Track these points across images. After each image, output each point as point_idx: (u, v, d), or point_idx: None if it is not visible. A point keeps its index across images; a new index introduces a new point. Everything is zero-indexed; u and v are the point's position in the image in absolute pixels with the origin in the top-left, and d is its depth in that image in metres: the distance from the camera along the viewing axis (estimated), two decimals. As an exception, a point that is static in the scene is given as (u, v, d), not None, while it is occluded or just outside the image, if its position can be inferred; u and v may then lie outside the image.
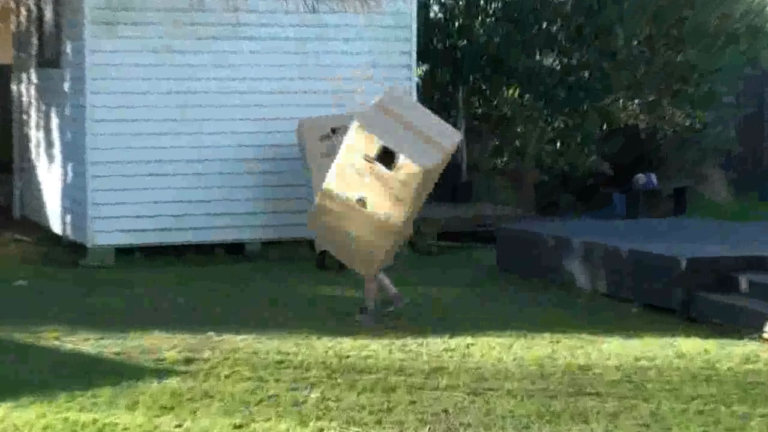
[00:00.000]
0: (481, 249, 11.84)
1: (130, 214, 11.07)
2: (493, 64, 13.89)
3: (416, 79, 12.16)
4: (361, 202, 7.57)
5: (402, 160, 7.47)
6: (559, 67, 14.42)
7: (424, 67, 14.04)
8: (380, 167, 7.51)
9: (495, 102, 14.20)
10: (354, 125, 7.65)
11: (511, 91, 14.07)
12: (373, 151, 7.50)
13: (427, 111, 8.23)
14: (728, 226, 11.43)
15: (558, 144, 14.44)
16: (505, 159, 14.60)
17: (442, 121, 8.23)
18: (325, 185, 7.77)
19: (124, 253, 11.04)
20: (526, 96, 14.06)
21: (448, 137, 7.91)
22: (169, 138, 11.14)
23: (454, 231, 12.40)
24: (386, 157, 7.54)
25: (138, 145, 11.06)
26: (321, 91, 11.47)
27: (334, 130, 10.54)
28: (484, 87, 14.22)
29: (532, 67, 13.99)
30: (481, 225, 12.27)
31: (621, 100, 14.87)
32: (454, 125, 14.41)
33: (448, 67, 13.97)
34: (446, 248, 11.28)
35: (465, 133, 14.13)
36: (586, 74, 14.30)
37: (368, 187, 7.53)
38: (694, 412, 6.16)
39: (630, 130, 14.97)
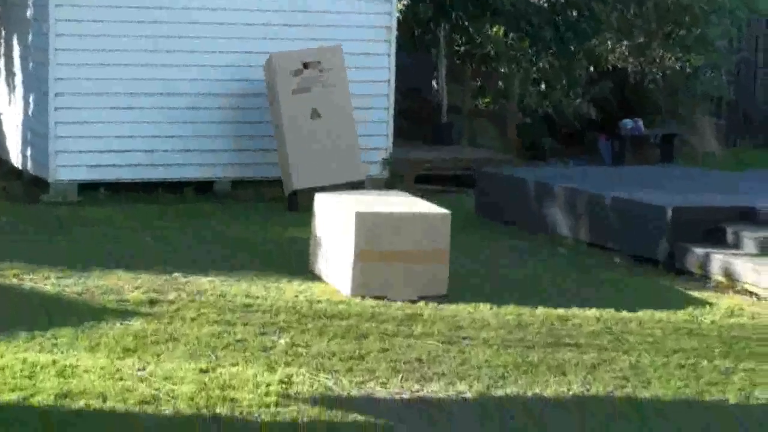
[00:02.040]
0: (460, 193, 11.65)
1: (95, 149, 10.86)
2: (478, 0, 13.49)
3: (396, 13, 11.89)
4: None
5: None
6: (546, 5, 14.07)
7: (405, 1, 13.64)
8: None
9: (479, 40, 13.85)
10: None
11: (495, 30, 13.72)
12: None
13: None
14: (717, 175, 11.36)
15: (543, 86, 14.18)
16: (487, 100, 14.34)
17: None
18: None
19: (88, 189, 10.87)
20: (511, 35, 13.74)
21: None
22: (139, 69, 10.92)
23: (432, 174, 12.21)
24: None
25: (105, 76, 10.83)
26: (295, 25, 11.22)
27: (306, 65, 10.43)
28: (467, 24, 13.83)
29: (518, 4, 13.61)
30: (466, 168, 12.05)
31: (609, 42, 14.59)
32: (435, 64, 14.10)
33: (430, 2, 13.56)
34: (424, 192, 10.95)
35: (446, 72, 13.79)
36: (575, 13, 13.94)
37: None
38: (675, 366, 6.11)
39: (618, 73, 14.72)
